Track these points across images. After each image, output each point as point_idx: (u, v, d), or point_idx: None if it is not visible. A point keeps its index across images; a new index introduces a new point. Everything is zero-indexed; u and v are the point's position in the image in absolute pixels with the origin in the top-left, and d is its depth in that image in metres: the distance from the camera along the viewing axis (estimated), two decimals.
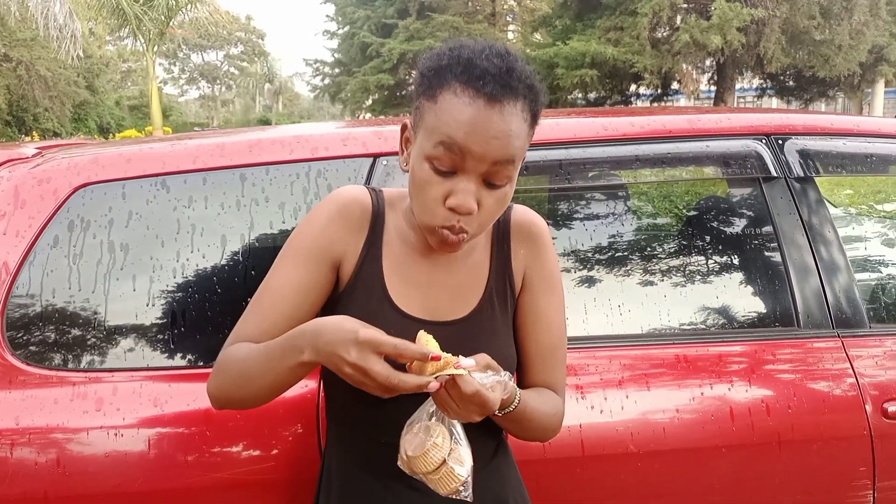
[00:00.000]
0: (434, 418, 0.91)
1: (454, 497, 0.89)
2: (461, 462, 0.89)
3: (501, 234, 1.06)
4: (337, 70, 24.59)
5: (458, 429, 0.91)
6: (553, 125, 1.52)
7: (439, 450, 0.88)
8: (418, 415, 0.92)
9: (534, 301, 1.06)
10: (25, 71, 21.77)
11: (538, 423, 1.02)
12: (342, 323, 0.85)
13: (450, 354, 0.85)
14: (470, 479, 0.89)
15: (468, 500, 0.89)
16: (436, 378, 0.84)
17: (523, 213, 1.08)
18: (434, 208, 0.90)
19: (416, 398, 0.96)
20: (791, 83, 17.91)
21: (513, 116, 0.87)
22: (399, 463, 0.92)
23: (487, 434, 1.06)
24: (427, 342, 0.87)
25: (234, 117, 46.36)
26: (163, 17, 17.63)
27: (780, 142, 1.55)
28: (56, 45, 15.87)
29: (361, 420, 1.02)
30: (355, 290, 1.00)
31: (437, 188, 0.89)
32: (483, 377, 0.86)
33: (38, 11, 15.07)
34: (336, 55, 24.87)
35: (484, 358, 0.89)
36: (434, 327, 0.98)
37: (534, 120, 0.93)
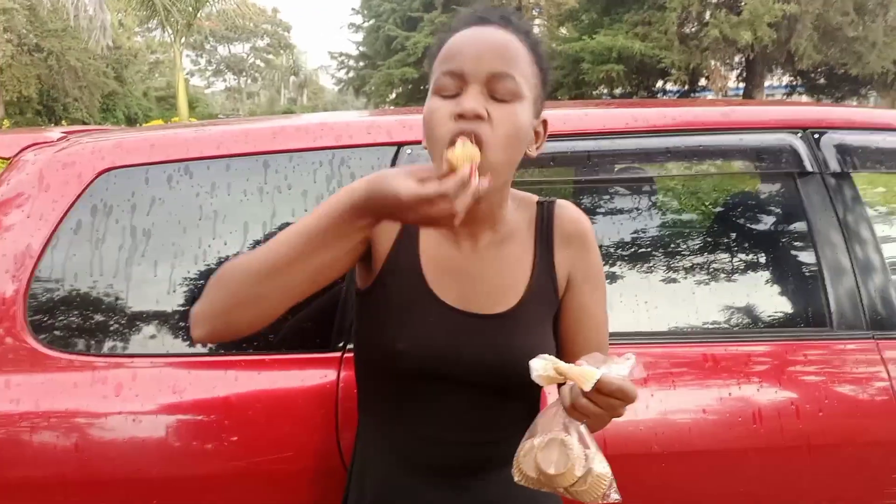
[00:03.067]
0: (559, 430, 0.86)
1: (602, 501, 0.85)
2: (603, 464, 0.86)
3: (545, 231, 1.03)
4: (362, 63, 24.61)
5: (584, 431, 0.87)
6: (581, 115, 1.49)
7: (583, 461, 0.84)
8: (539, 429, 0.88)
9: (581, 300, 1.03)
10: (56, 61, 22.09)
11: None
12: (386, 194, 0.79)
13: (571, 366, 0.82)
14: (614, 478, 0.86)
15: (617, 499, 0.85)
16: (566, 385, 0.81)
17: (567, 211, 1.04)
18: (444, 125, 0.87)
19: (457, 395, 0.95)
20: (822, 81, 17.56)
21: (508, 36, 0.90)
22: (519, 479, 0.88)
23: (519, 435, 1.04)
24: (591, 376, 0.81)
25: (259, 109, 46.67)
26: (190, 9, 17.83)
27: (816, 136, 1.50)
28: (86, 36, 16.09)
29: (397, 412, 0.99)
30: (391, 275, 0.97)
31: (444, 109, 0.88)
32: (616, 368, 0.81)
33: (68, 2, 15.28)
34: (361, 48, 24.88)
35: (596, 356, 0.85)
36: (472, 319, 0.96)
37: (538, 60, 0.93)
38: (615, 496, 0.85)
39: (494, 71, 0.87)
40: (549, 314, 1.02)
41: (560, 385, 0.85)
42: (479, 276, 0.99)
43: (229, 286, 0.87)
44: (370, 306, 0.99)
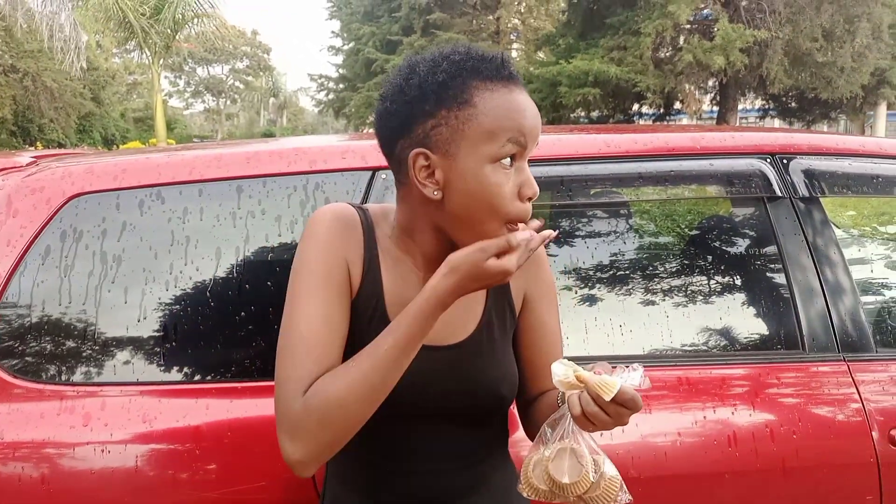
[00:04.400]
0: (568, 439, 0.86)
1: None
2: (612, 467, 0.87)
3: None
4: (341, 85, 24.71)
5: (590, 437, 0.88)
6: (555, 141, 1.50)
7: (595, 466, 0.85)
8: (546, 440, 0.88)
9: (539, 317, 1.05)
10: (32, 82, 21.88)
11: None
12: (493, 274, 0.84)
13: (587, 373, 0.83)
14: (623, 480, 0.87)
15: (629, 500, 0.86)
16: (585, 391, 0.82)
17: None
18: (511, 206, 0.87)
19: (423, 428, 0.95)
20: (793, 104, 17.96)
21: None
22: (529, 494, 0.88)
23: (498, 451, 1.05)
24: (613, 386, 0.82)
25: (238, 131, 46.55)
26: (169, 31, 17.79)
27: (784, 161, 1.53)
28: (60, 57, 15.99)
29: (364, 449, 0.97)
30: (356, 314, 0.94)
31: (509, 186, 0.87)
32: (626, 377, 0.82)
33: (42, 23, 15.19)
34: (341, 71, 25.00)
35: (604, 365, 0.86)
36: (434, 352, 0.95)
37: None
38: (626, 497, 0.86)
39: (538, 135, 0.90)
40: (507, 336, 1.03)
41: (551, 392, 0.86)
42: None
43: (336, 424, 0.83)
44: None
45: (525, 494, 0.88)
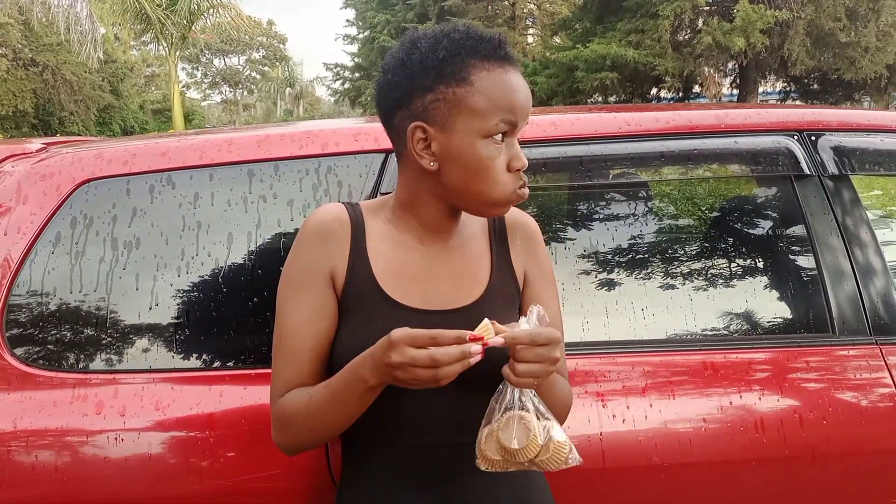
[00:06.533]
0: (514, 408, 0.90)
1: (564, 468, 0.90)
2: (561, 431, 0.90)
3: (498, 230, 1.08)
4: (357, 74, 24.68)
5: (539, 403, 0.91)
6: (573, 120, 1.46)
7: (543, 431, 0.88)
8: (494, 414, 0.91)
9: (538, 296, 1.07)
10: (51, 75, 22.14)
11: (561, 400, 1.03)
12: (381, 339, 0.87)
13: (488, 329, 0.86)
14: (573, 444, 0.90)
15: (578, 462, 0.90)
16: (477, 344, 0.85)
17: (516, 213, 1.10)
18: (504, 178, 0.95)
19: (432, 399, 0.96)
20: (815, 86, 17.60)
21: None
22: (486, 467, 0.91)
23: None
24: (486, 330, 0.87)
25: (255, 121, 46.70)
26: (185, 22, 17.88)
27: (813, 138, 1.47)
28: (78, 49, 16.13)
29: (375, 424, 0.98)
30: (350, 297, 0.99)
31: (500, 159, 0.94)
32: (523, 322, 0.88)
33: (59, 16, 15.33)
34: (356, 59, 24.96)
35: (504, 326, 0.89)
36: (438, 316, 0.98)
37: None
38: (577, 459, 0.90)
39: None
40: (513, 306, 1.05)
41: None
42: (441, 276, 1.02)
43: (299, 431, 0.97)
44: (338, 332, 1.00)
45: (482, 468, 0.91)
